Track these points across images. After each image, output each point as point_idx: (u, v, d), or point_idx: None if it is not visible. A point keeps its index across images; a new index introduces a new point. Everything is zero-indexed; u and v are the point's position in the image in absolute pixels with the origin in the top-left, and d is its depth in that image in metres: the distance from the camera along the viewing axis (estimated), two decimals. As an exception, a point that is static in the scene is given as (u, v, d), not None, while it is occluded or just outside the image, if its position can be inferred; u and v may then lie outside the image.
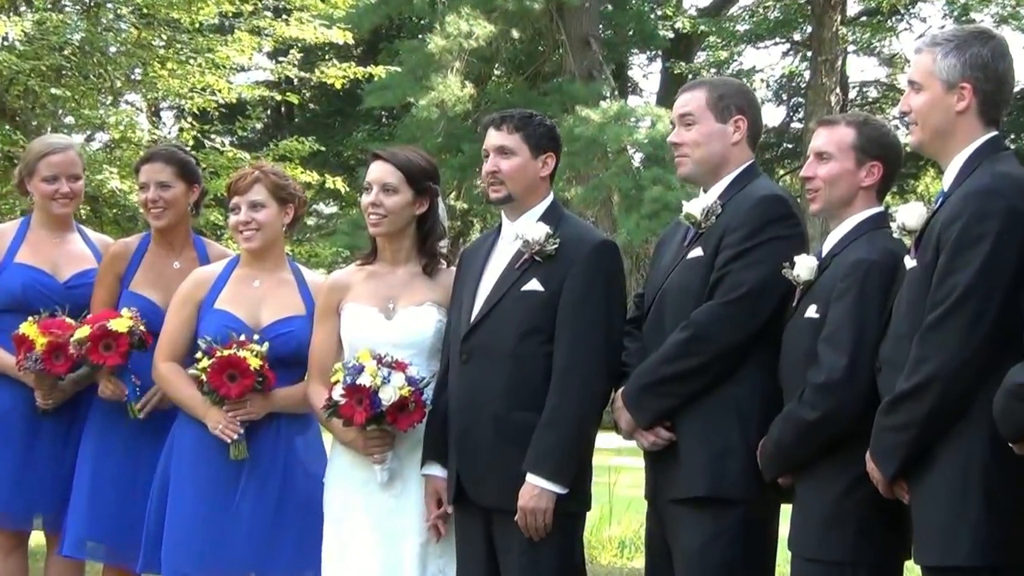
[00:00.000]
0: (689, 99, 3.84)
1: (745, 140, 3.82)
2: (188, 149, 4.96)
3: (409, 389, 3.89)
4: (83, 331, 4.38)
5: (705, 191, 3.84)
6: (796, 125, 24.04)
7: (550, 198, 4.01)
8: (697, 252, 3.66)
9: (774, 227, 3.62)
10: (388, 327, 4.08)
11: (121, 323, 4.37)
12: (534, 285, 3.84)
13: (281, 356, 4.23)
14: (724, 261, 3.59)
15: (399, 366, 3.91)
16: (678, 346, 3.57)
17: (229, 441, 4.16)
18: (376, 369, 3.88)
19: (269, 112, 24.00)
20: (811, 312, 3.41)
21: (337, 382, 3.91)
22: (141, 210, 4.74)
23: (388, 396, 3.86)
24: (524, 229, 3.91)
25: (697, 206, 3.76)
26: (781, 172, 24.57)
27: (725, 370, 3.55)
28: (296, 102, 13.80)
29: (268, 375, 4.16)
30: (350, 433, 3.99)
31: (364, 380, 3.86)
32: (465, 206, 23.28)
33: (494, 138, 3.95)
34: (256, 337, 4.19)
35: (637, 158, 18.09)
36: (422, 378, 3.95)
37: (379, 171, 4.15)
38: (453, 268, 4.20)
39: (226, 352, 4.13)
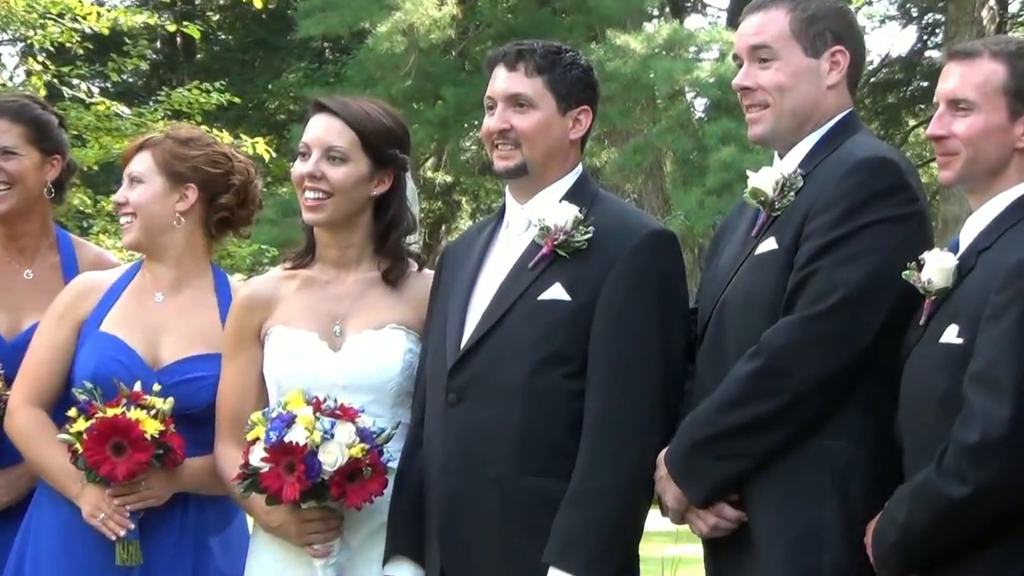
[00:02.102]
0: (763, 22, 3.87)
1: (844, 81, 3.87)
2: (44, 102, 4.98)
3: (362, 447, 3.92)
4: None
5: (781, 156, 3.88)
6: (932, 53, 24.08)
7: (579, 170, 4.06)
8: (769, 244, 3.73)
9: (880, 204, 3.66)
10: (333, 361, 4.12)
11: None
12: (557, 292, 3.88)
13: (190, 411, 4.26)
14: (809, 256, 3.62)
15: (346, 413, 3.94)
16: (745, 383, 3.61)
17: (114, 539, 4.18)
18: (313, 420, 3.91)
19: (158, 47, 24.12)
20: (950, 335, 3.43)
21: (256, 440, 3.94)
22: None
23: (332, 459, 3.88)
24: (543, 212, 3.95)
25: (768, 179, 3.80)
26: (911, 123, 24.62)
27: (814, 416, 3.59)
28: (197, 34, 13.86)
29: (174, 444, 4.19)
30: (278, 515, 4.02)
31: (296, 436, 3.89)
32: (447, 179, 23.36)
33: (506, 82, 3.99)
34: (156, 387, 4.23)
35: (699, 106, 18.20)
36: (380, 430, 3.99)
37: (322, 129, 4.19)
38: (429, 272, 4.24)
39: (110, 412, 4.14)
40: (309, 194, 4.15)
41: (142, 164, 4.39)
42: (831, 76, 3.82)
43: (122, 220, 4.42)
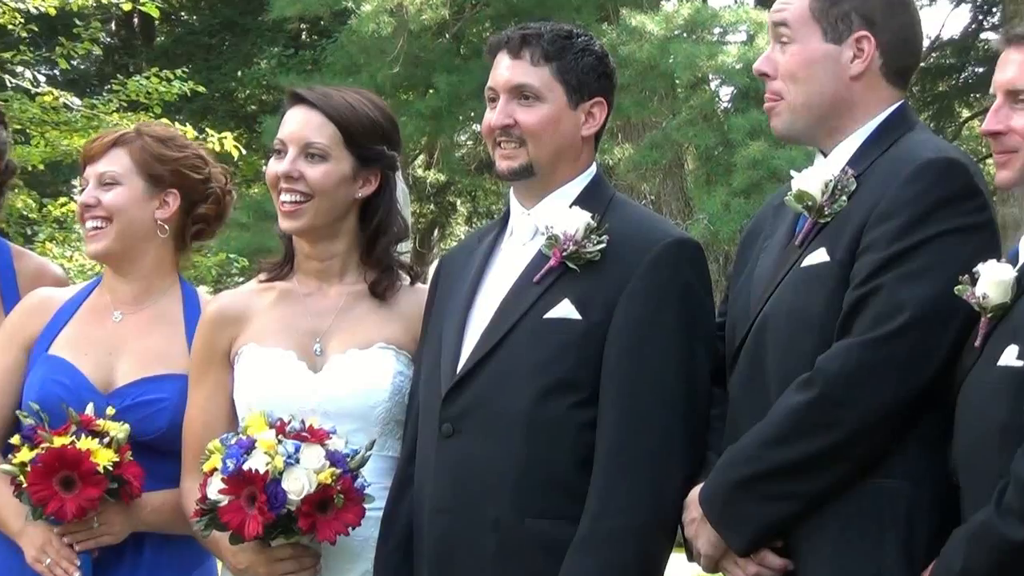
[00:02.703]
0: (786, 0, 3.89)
1: (876, 70, 3.86)
2: None
3: (333, 472, 3.93)
4: None
5: (823, 154, 3.89)
6: (988, 36, 24.09)
7: (592, 170, 4.09)
8: (819, 255, 3.72)
9: (948, 212, 3.65)
10: (312, 383, 4.15)
11: None
12: (566, 310, 3.90)
13: (146, 438, 4.28)
14: (869, 271, 3.61)
15: (314, 435, 3.96)
16: (796, 415, 3.60)
17: None
18: (275, 443, 3.93)
19: (113, 29, 24.15)
20: (1009, 357, 3.43)
21: (214, 471, 3.95)
22: None
23: (298, 486, 3.90)
24: (551, 219, 3.97)
25: (815, 181, 3.79)
26: (965, 115, 24.60)
27: (873, 453, 3.59)
28: (156, 13, 13.88)
29: (130, 476, 4.19)
30: (245, 555, 4.04)
31: (256, 463, 3.90)
32: (440, 179, 23.37)
33: (509, 71, 4.02)
34: (111, 410, 4.24)
35: (724, 95, 18.19)
36: (353, 452, 4.00)
37: (299, 123, 4.22)
38: (423, 287, 4.27)
39: (57, 441, 4.14)
40: (285, 197, 4.17)
41: (117, 163, 4.42)
42: (855, 65, 3.81)
43: (89, 225, 4.43)
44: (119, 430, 4.16)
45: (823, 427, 3.56)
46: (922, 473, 3.59)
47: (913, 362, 3.54)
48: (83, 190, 4.46)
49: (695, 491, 3.73)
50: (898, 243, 3.59)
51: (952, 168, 3.66)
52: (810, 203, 3.76)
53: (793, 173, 3.82)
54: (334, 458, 3.91)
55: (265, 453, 3.87)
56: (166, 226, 4.46)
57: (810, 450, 3.57)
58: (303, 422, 3.95)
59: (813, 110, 3.81)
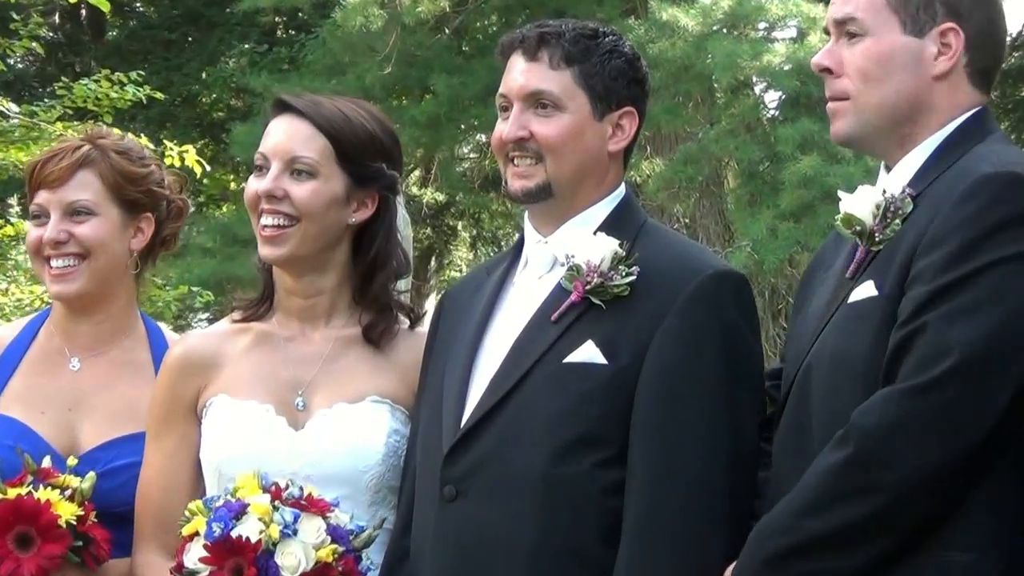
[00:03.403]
0: None
1: (961, 69, 3.86)
2: None
3: (334, 549, 3.95)
4: None
5: (887, 168, 3.90)
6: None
7: (620, 191, 4.12)
8: (866, 289, 3.73)
9: (1006, 236, 3.62)
10: (294, 442, 4.18)
11: None
12: (589, 353, 3.91)
13: (120, 508, 4.29)
14: (915, 306, 3.59)
15: (315, 505, 3.98)
16: (829, 478, 3.60)
17: None
18: (270, 510, 3.94)
19: (57, 23, 24.20)
20: None
21: (195, 535, 3.97)
22: None
23: (293, 561, 3.90)
24: (573, 248, 3.99)
25: (865, 202, 3.80)
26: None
27: (924, 521, 3.56)
28: (107, 6, 13.91)
29: (97, 535, 4.20)
30: None
31: (247, 530, 3.92)
32: (438, 198, 23.31)
33: (525, 75, 4.05)
34: (72, 460, 4.25)
35: (771, 101, 18.17)
36: (359, 529, 4.03)
37: (285, 134, 4.26)
38: (424, 331, 4.29)
39: (12, 492, 4.16)
40: (267, 220, 4.20)
41: (88, 189, 4.47)
42: (939, 63, 3.82)
43: (57, 264, 4.46)
44: (83, 482, 4.18)
45: (860, 492, 3.54)
46: (990, 542, 3.55)
47: (963, 413, 3.49)
48: (36, 217, 4.48)
49: (728, 570, 3.73)
50: (947, 274, 3.56)
51: (1015, 184, 3.61)
52: (859, 228, 3.78)
53: (842, 195, 3.83)
54: (336, 533, 3.94)
55: (259, 520, 3.90)
56: (138, 259, 4.53)
57: (847, 519, 3.54)
58: (302, 489, 3.98)
59: (886, 113, 3.83)
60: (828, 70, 3.88)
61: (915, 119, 3.82)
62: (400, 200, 4.36)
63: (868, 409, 3.56)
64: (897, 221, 3.72)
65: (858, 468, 3.55)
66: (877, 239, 3.75)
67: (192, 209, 4.77)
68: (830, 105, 3.90)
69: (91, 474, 4.22)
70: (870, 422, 3.54)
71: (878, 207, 3.76)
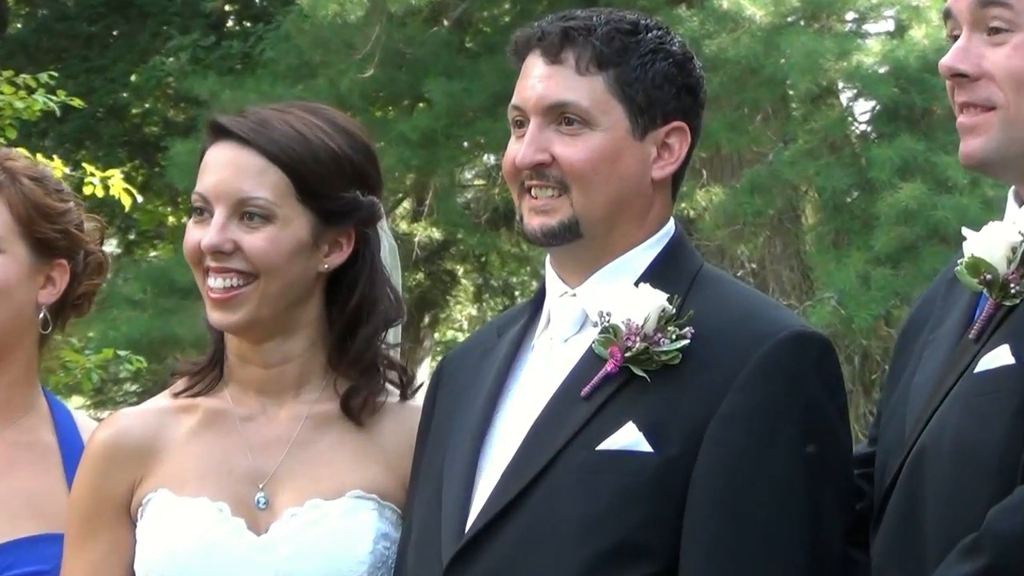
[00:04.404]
0: None
1: None
2: None
3: None
4: None
5: (1020, 201, 3.95)
6: None
7: (669, 229, 4.16)
8: (1000, 356, 3.80)
9: None
10: (256, 553, 4.22)
11: None
12: (630, 438, 3.93)
13: None
14: None
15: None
16: None
17: None
18: None
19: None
20: None
21: None
22: None
23: None
24: (608, 302, 4.01)
25: (998, 242, 3.85)
26: None
27: None
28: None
29: None
30: None
31: None
32: (435, 235, 23.39)
33: (544, 82, 4.09)
34: None
35: (862, 113, 18.24)
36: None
37: (229, 169, 4.30)
38: (417, 404, 4.34)
39: None
40: (215, 281, 4.24)
41: None
42: None
43: None
44: None
45: None
46: None
47: None
48: None
49: None
50: None
51: None
52: (990, 276, 3.80)
53: (966, 232, 3.86)
54: None
55: None
56: (48, 315, 4.58)
57: None
58: None
59: None
60: (963, 75, 3.89)
61: None
62: (384, 226, 4.39)
63: (1007, 509, 3.60)
64: None
65: None
66: (1012, 291, 3.78)
67: (118, 250, 4.80)
68: (967, 118, 3.91)
69: None
70: (1010, 527, 3.59)
71: (1014, 250, 3.79)
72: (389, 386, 4.33)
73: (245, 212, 4.23)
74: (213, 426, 4.30)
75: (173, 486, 4.23)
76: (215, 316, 4.24)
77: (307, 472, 4.23)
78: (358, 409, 4.27)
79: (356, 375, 4.29)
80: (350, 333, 4.29)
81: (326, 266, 4.28)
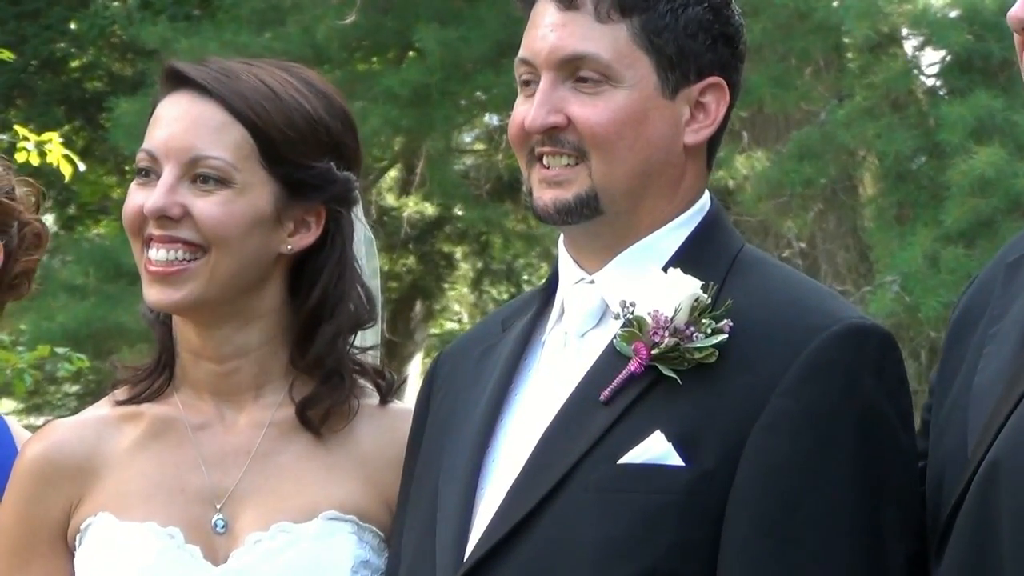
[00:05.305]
0: None
1: None
2: None
3: None
4: None
5: None
6: None
7: (704, 203, 4.18)
8: None
9: None
10: None
11: None
12: (657, 450, 3.95)
13: None
14: None
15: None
16: None
17: None
18: None
19: None
20: None
21: None
22: None
23: None
24: (633, 291, 4.03)
25: None
26: None
27: None
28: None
29: None
30: None
31: None
32: (428, 210, 23.34)
33: (557, 31, 4.11)
34: None
35: (928, 65, 18.24)
36: None
37: (184, 122, 4.33)
38: (403, 408, 4.41)
39: None
40: (157, 253, 4.27)
41: None
42: None
43: None
44: None
45: None
46: None
47: None
48: None
49: None
50: None
51: None
52: None
53: None
54: None
55: None
56: None
57: None
58: None
59: None
60: None
61: None
62: (359, 213, 4.43)
63: None
64: None
65: None
66: None
67: (55, 229, 4.84)
68: None
69: None
70: None
71: None
72: (367, 385, 4.37)
73: (198, 174, 4.26)
74: (161, 437, 4.33)
75: (116, 509, 4.26)
76: (153, 294, 4.25)
77: (272, 489, 4.27)
78: (317, 421, 4.30)
79: (315, 379, 4.32)
80: (311, 330, 4.32)
81: (289, 247, 4.31)
